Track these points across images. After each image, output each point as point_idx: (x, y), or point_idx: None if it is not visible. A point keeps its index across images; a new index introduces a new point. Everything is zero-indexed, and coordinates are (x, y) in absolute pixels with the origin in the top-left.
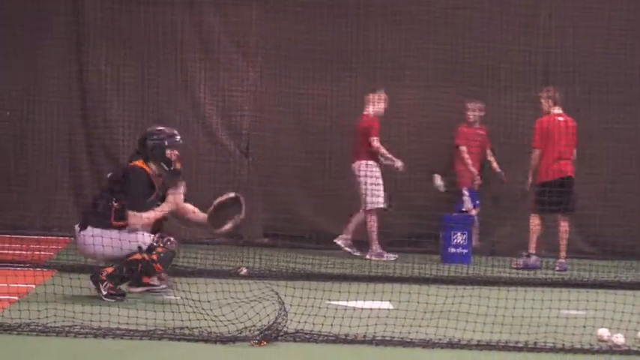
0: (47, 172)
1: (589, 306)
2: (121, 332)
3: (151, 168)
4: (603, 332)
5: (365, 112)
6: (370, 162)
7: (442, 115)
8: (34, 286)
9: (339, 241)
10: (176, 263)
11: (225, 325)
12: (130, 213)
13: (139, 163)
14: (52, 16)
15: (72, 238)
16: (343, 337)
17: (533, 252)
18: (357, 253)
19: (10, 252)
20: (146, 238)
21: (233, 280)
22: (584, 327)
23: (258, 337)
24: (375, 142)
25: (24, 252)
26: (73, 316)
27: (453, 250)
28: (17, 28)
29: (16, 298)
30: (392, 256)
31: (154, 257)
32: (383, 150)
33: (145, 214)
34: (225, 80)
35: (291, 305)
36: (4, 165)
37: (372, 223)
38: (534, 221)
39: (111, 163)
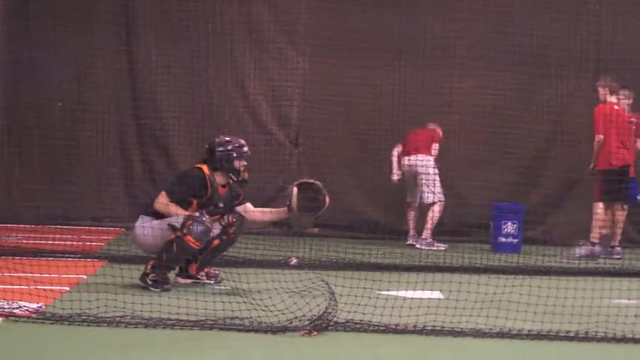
0: (98, 164)
1: None
2: (172, 322)
3: (217, 177)
4: None
5: None
6: (430, 157)
7: (494, 104)
8: (85, 276)
9: (418, 244)
10: (227, 253)
11: (276, 315)
12: (162, 194)
13: (204, 167)
14: (102, 6)
15: (123, 229)
16: (393, 326)
17: (597, 241)
18: (443, 247)
19: (61, 243)
20: (180, 218)
21: (283, 270)
22: (636, 316)
23: (308, 327)
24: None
25: (75, 242)
26: (124, 306)
27: (503, 239)
28: (67, 19)
29: (67, 288)
30: (442, 246)
31: (184, 231)
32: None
33: (172, 205)
34: (274, 70)
35: (341, 295)
36: (55, 157)
37: (437, 214)
38: (599, 209)
39: (161, 153)
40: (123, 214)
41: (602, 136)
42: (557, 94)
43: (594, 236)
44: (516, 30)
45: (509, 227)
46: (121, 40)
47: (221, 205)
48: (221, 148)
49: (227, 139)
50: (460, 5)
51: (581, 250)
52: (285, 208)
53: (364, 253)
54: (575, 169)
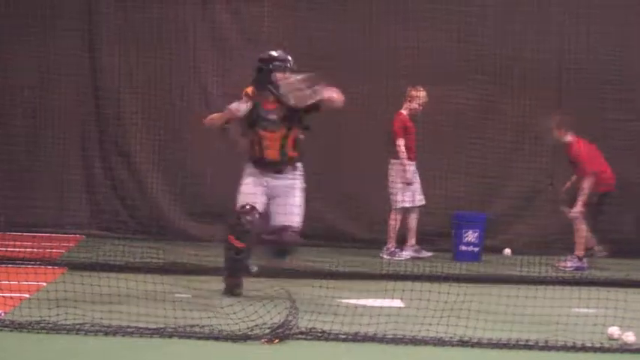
0: (59, 170)
1: (600, 304)
2: (132, 330)
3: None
4: (614, 330)
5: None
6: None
7: (457, 114)
8: (45, 283)
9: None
10: (188, 261)
11: (237, 323)
12: None
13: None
14: (65, 13)
15: (84, 236)
16: (354, 335)
17: (582, 255)
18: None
19: (21, 250)
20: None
21: (244, 278)
22: (595, 325)
23: (269, 335)
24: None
25: (35, 250)
26: (83, 314)
27: (464, 247)
28: (29, 26)
29: (27, 295)
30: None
31: (228, 232)
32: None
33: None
34: (238, 77)
35: (302, 303)
36: (16, 163)
37: (395, 222)
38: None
39: (123, 160)
40: (84, 221)
41: (593, 177)
42: (520, 105)
43: (580, 251)
44: (479, 40)
45: (470, 236)
46: (84, 45)
47: (274, 117)
48: (259, 64)
49: (269, 53)
50: (423, 15)
51: (566, 264)
52: None
53: (325, 261)
54: (538, 180)
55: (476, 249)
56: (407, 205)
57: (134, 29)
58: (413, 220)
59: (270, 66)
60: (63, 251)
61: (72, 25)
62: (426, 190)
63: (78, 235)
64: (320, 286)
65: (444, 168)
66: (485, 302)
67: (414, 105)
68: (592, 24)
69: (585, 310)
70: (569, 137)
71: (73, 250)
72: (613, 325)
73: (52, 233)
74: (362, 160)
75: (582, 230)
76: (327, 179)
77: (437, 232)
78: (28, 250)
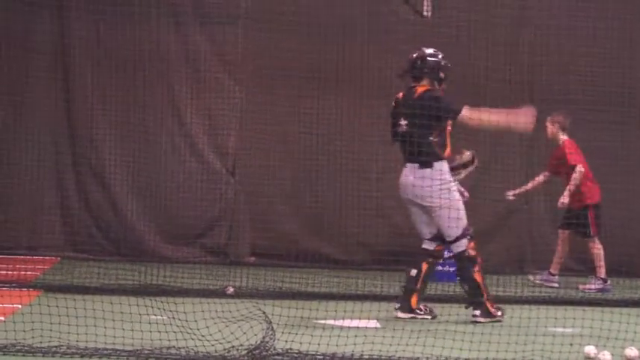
0: (33, 192)
1: (576, 323)
2: (108, 352)
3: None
4: (590, 350)
5: None
6: None
7: None
8: (20, 306)
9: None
10: (163, 282)
11: (213, 345)
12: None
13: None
14: (38, 36)
15: (59, 258)
16: (331, 356)
17: (604, 276)
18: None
19: None
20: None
21: (220, 299)
22: (572, 344)
23: (245, 357)
24: None
25: (10, 272)
26: (59, 336)
27: (440, 267)
28: (2, 49)
29: (2, 318)
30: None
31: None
32: None
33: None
34: (211, 99)
35: (278, 324)
36: None
37: None
38: (597, 244)
39: (97, 182)
40: (58, 243)
41: (582, 168)
42: None
43: (601, 273)
44: (453, 60)
45: (446, 256)
46: (57, 69)
47: None
48: (432, 58)
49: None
50: (398, 37)
51: (590, 286)
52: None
53: (301, 282)
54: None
55: (452, 269)
56: None
57: (107, 50)
58: None
59: (442, 62)
60: (38, 273)
61: (45, 47)
62: (396, 210)
63: (53, 257)
64: (296, 307)
65: None
66: (461, 322)
67: None
68: (562, 43)
69: (562, 330)
70: (564, 137)
71: (48, 272)
72: (589, 345)
73: (27, 255)
74: (338, 180)
75: (599, 250)
76: (302, 200)
77: (410, 253)
78: (2, 272)
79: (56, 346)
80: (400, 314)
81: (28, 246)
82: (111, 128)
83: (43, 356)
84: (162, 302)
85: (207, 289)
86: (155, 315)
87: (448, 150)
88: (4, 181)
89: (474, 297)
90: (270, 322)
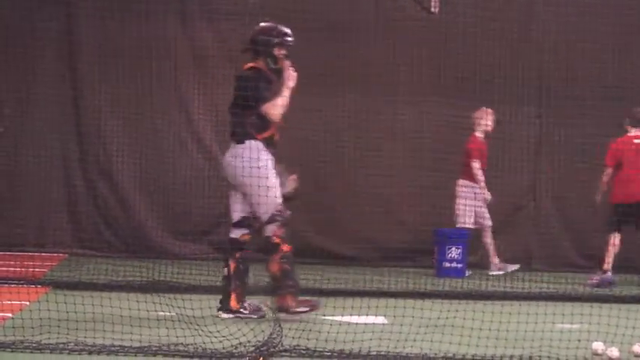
0: (41, 189)
1: (584, 320)
2: (115, 349)
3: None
4: (598, 346)
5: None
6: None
7: (437, 129)
8: (28, 303)
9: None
10: (171, 279)
11: (220, 341)
12: (268, 105)
13: (249, 64)
14: (45, 32)
15: (66, 255)
16: (338, 352)
17: (609, 268)
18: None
19: (4, 269)
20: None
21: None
22: (579, 341)
23: (253, 353)
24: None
25: (18, 269)
26: (67, 332)
27: (447, 264)
28: (9, 45)
29: (10, 315)
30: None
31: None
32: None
33: (278, 100)
34: (218, 96)
35: (286, 321)
36: None
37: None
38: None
39: (105, 179)
40: (66, 240)
41: (609, 169)
42: (501, 121)
43: (608, 265)
44: (459, 56)
45: (454, 252)
46: (65, 65)
47: None
48: (262, 35)
49: (270, 25)
50: (402, 33)
51: (592, 281)
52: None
53: (309, 278)
54: (518, 195)
55: (459, 265)
56: (468, 226)
57: (115, 47)
58: (486, 240)
59: (275, 40)
60: (46, 270)
61: (52, 44)
62: (406, 207)
63: (60, 254)
64: None
65: (424, 184)
66: (469, 318)
67: (485, 126)
68: (570, 40)
69: (569, 326)
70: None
71: (56, 269)
72: (597, 341)
73: (35, 252)
74: (346, 177)
75: (614, 247)
76: (309, 196)
77: (417, 249)
78: (10, 269)
79: (64, 343)
80: (223, 315)
81: (36, 243)
82: (118, 125)
83: (51, 353)
84: (170, 299)
85: (214, 285)
86: (163, 312)
87: (269, 132)
88: (12, 177)
89: (273, 286)
90: (278, 319)
